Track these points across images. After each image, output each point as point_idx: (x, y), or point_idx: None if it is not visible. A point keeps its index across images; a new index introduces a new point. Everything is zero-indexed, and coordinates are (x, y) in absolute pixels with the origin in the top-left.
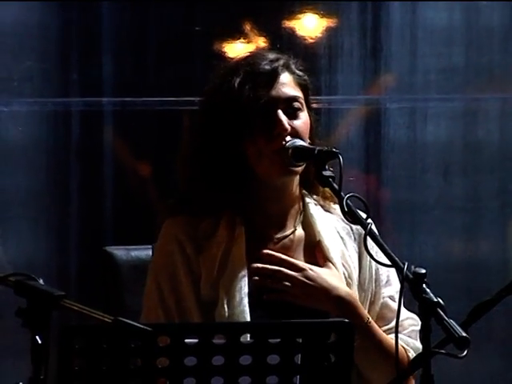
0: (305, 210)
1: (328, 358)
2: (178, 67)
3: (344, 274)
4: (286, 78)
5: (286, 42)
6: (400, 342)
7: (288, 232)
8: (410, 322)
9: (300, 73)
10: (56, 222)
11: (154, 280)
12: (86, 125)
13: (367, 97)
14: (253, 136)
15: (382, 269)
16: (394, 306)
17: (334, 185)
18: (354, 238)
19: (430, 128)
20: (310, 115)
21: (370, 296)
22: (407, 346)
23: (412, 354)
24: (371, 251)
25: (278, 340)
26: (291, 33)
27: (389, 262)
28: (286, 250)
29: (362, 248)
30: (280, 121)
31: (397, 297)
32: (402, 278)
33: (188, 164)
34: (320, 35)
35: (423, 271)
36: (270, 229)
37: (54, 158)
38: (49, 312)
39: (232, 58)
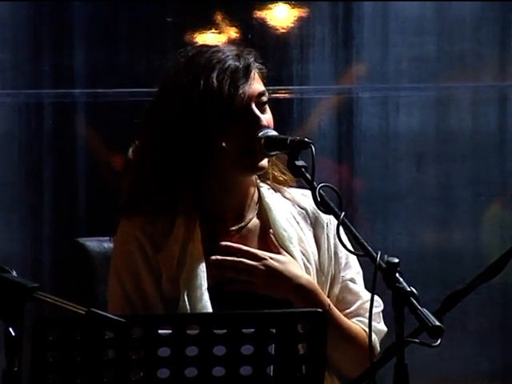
0: (260, 198)
1: (302, 348)
2: (151, 58)
3: (302, 259)
4: (255, 73)
5: (257, 32)
6: (361, 325)
7: (244, 223)
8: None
9: (262, 67)
10: (29, 213)
11: (117, 280)
12: (58, 116)
13: (339, 86)
14: (229, 132)
15: (341, 251)
16: (355, 288)
17: (307, 175)
18: (310, 222)
19: (402, 117)
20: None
21: (329, 279)
22: (366, 328)
23: (374, 337)
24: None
25: (252, 330)
26: (262, 23)
27: (361, 253)
28: (244, 240)
29: (319, 231)
30: (258, 117)
31: (357, 279)
32: (375, 267)
33: (145, 158)
34: (291, 25)
35: (396, 260)
36: (227, 221)
37: (27, 149)
38: (22, 304)
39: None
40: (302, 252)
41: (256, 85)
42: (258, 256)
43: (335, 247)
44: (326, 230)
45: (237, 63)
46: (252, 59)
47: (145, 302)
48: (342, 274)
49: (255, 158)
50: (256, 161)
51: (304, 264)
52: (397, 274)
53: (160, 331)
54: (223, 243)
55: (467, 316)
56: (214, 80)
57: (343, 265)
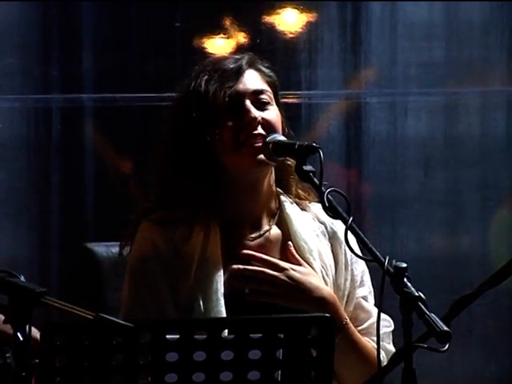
0: (281, 208)
1: (309, 353)
2: (159, 63)
3: (322, 272)
4: (251, 73)
5: (266, 37)
6: (372, 343)
7: (263, 231)
8: (382, 323)
9: (266, 70)
10: (37, 218)
11: (132, 284)
12: (66, 121)
13: (347, 91)
14: (221, 129)
15: (357, 269)
16: (367, 306)
17: (315, 179)
18: (329, 237)
19: (410, 122)
20: (280, 113)
21: (345, 295)
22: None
23: (383, 356)
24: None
25: (260, 335)
26: (271, 28)
27: (369, 258)
28: (262, 248)
29: (337, 246)
30: (248, 111)
31: (370, 298)
32: (383, 272)
33: (162, 163)
34: (300, 30)
35: (404, 265)
36: (246, 228)
37: (35, 154)
38: (30, 309)
39: (212, 54)
40: (321, 265)
41: (251, 83)
42: (280, 266)
43: (351, 264)
44: (343, 245)
45: (230, 65)
46: (246, 60)
47: (159, 307)
48: (356, 291)
49: (250, 152)
50: (251, 154)
51: (323, 277)
52: (405, 279)
53: (168, 336)
54: (245, 251)
55: (475, 321)
56: (202, 82)
57: (358, 282)
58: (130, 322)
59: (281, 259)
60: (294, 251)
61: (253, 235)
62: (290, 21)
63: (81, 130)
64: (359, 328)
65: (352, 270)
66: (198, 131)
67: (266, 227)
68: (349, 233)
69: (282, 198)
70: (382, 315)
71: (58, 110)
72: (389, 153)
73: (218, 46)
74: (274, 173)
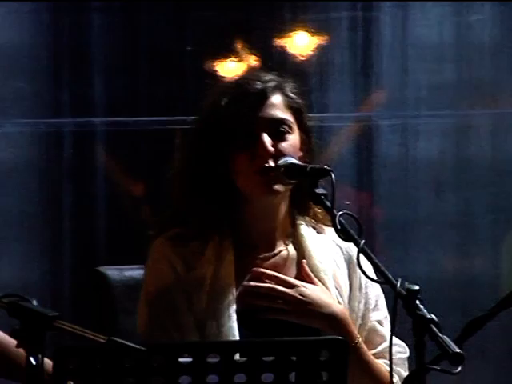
0: (295, 229)
1: (322, 376)
2: (170, 86)
3: (335, 292)
4: (276, 99)
5: (277, 60)
6: (386, 366)
7: (277, 250)
8: (397, 349)
9: (293, 95)
10: (49, 242)
11: (148, 302)
12: (77, 145)
13: (358, 114)
14: (236, 156)
15: (371, 292)
16: (382, 330)
17: (327, 202)
18: (344, 259)
19: (421, 144)
20: (302, 137)
21: (359, 318)
22: (393, 372)
23: (397, 381)
24: (364, 278)
25: (272, 358)
26: (282, 51)
27: (381, 280)
28: (277, 268)
29: (352, 269)
30: (262, 142)
31: (385, 322)
32: (395, 294)
33: (178, 182)
34: (311, 53)
35: (416, 288)
36: (259, 247)
37: (46, 178)
38: (43, 333)
39: (223, 77)
40: (335, 286)
41: (273, 111)
42: (291, 283)
43: (366, 287)
44: (358, 269)
45: (256, 88)
46: (274, 84)
47: (176, 321)
48: (370, 315)
49: (264, 181)
50: (265, 184)
51: (337, 297)
52: (417, 301)
53: (180, 359)
54: (255, 269)
55: (488, 343)
56: (223, 103)
57: (372, 306)
58: (142, 345)
59: (295, 278)
60: (307, 269)
61: (266, 254)
62: (301, 44)
63: (92, 154)
64: (373, 351)
65: (366, 293)
66: (215, 155)
67: (279, 247)
68: (362, 256)
69: (298, 220)
70: (398, 341)
71: (69, 134)
72: (400, 175)
73: (229, 69)
74: (289, 194)
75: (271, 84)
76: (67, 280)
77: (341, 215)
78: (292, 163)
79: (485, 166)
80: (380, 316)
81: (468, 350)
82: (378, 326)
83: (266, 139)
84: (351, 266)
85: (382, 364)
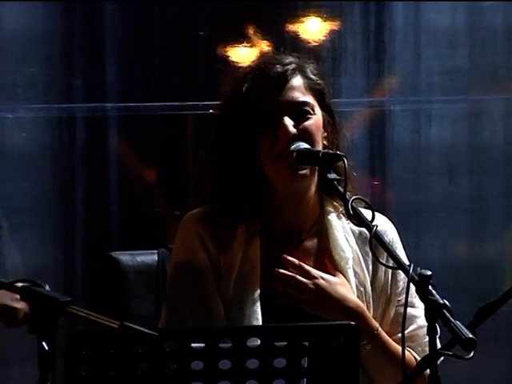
0: (322, 216)
1: (335, 361)
2: (182, 72)
3: (356, 282)
4: (297, 81)
5: (289, 46)
6: (412, 352)
7: (303, 238)
8: (425, 331)
9: (313, 77)
10: (62, 228)
11: (176, 277)
12: (90, 130)
13: (371, 99)
14: (260, 140)
15: (401, 274)
16: (411, 312)
17: (339, 188)
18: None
19: (434, 130)
20: (325, 118)
21: (384, 300)
22: (418, 356)
23: None
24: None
25: (285, 343)
26: (295, 36)
27: (394, 266)
28: (301, 256)
29: (378, 252)
30: (284, 125)
31: (416, 302)
32: (408, 280)
33: (208, 167)
34: (323, 38)
35: (429, 273)
36: (287, 234)
37: (59, 164)
38: (55, 318)
39: (236, 63)
40: (357, 275)
41: (294, 94)
42: (311, 274)
43: (393, 272)
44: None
45: (276, 71)
46: (294, 67)
47: (203, 301)
48: (398, 298)
49: (286, 165)
50: (286, 168)
51: (357, 286)
52: (429, 287)
53: (193, 344)
54: (284, 256)
55: (500, 328)
56: (244, 88)
57: (400, 288)
58: (154, 330)
59: (316, 266)
60: (333, 260)
61: (292, 243)
62: (313, 29)
63: (105, 139)
64: (400, 335)
65: (394, 274)
66: (240, 139)
67: (305, 234)
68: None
69: (326, 203)
70: (424, 322)
71: (82, 119)
72: (413, 160)
73: (242, 54)
74: (317, 178)
75: (291, 66)
76: (80, 265)
77: (353, 200)
78: (304, 148)
79: (497, 151)
80: (410, 297)
81: (480, 335)
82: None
83: (288, 122)
84: (377, 249)
85: (410, 350)
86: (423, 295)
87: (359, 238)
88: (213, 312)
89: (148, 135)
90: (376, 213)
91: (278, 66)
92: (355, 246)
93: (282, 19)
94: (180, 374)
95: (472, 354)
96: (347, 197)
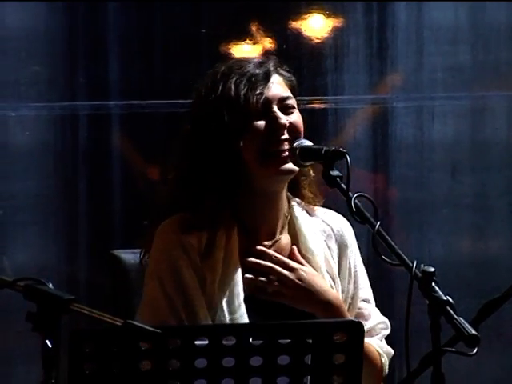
0: (291, 214)
1: (338, 358)
2: (185, 70)
3: (328, 276)
4: (277, 79)
5: (292, 43)
6: (375, 346)
7: (277, 237)
8: (382, 325)
9: (288, 74)
10: (64, 226)
11: (158, 286)
12: (93, 128)
13: (374, 96)
14: (250, 135)
15: (360, 272)
16: (369, 308)
17: (342, 185)
18: (335, 240)
19: (437, 126)
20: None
21: (349, 298)
22: (381, 350)
23: (385, 359)
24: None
25: (288, 341)
26: (297, 33)
27: (397, 262)
28: (278, 253)
29: (342, 250)
30: (277, 117)
31: (371, 299)
32: (411, 276)
33: (185, 166)
34: (326, 35)
35: (432, 270)
36: (261, 234)
37: (62, 162)
38: (58, 316)
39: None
40: (327, 270)
41: (277, 89)
42: (290, 265)
43: (355, 267)
44: (348, 249)
45: (257, 70)
46: (272, 65)
47: (188, 308)
48: (359, 294)
49: (278, 160)
50: (279, 163)
51: (329, 282)
52: (433, 283)
53: (196, 342)
54: (258, 247)
55: (503, 325)
56: (232, 85)
57: (361, 285)
58: (158, 328)
59: None
60: (297, 254)
61: (267, 242)
62: (316, 26)
63: (107, 137)
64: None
65: (356, 272)
66: (226, 136)
67: (279, 234)
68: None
69: (292, 202)
70: (383, 318)
71: (84, 117)
72: (415, 157)
73: (244, 51)
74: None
75: (270, 64)
76: (83, 263)
77: (356, 197)
78: (307, 145)
79: (500, 147)
80: (366, 294)
81: (484, 331)
82: (364, 305)
83: (280, 114)
84: (342, 246)
85: (370, 343)
86: (426, 292)
87: (323, 233)
88: (198, 320)
89: (151, 133)
90: (335, 213)
91: (255, 65)
92: (323, 243)
93: (285, 16)
94: (183, 372)
95: (475, 351)
96: (350, 194)
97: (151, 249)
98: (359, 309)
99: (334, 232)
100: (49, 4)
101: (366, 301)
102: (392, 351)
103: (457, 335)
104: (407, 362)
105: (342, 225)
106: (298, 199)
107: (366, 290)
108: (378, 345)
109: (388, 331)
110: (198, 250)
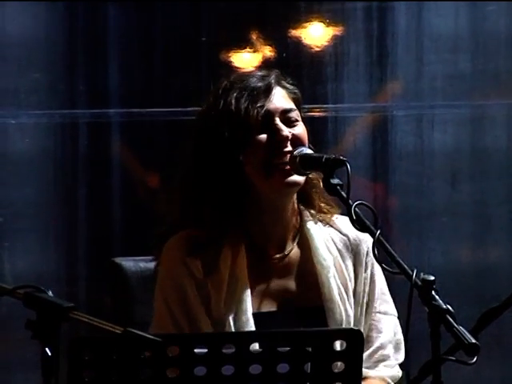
0: (302, 226)
1: (337, 367)
2: (185, 77)
3: (338, 289)
4: (279, 91)
5: (292, 51)
6: (381, 373)
7: (287, 251)
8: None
9: (291, 87)
10: (64, 233)
11: (163, 304)
12: (93, 136)
13: (374, 104)
14: (253, 149)
15: (378, 281)
16: (382, 321)
17: (342, 193)
18: (351, 249)
19: (436, 135)
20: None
21: (364, 307)
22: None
23: None
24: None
25: (288, 349)
26: (297, 41)
27: (397, 271)
28: (285, 267)
29: (359, 258)
30: (280, 129)
31: (389, 311)
32: (411, 285)
33: (190, 181)
34: (326, 43)
35: (432, 278)
36: (271, 249)
37: (62, 169)
38: (58, 324)
39: (238, 68)
40: (340, 281)
41: (280, 101)
42: None
43: (372, 276)
44: (365, 258)
45: (258, 83)
46: (274, 78)
47: (195, 326)
48: (375, 305)
49: (282, 172)
50: (283, 176)
51: (339, 294)
52: (432, 292)
53: (196, 350)
54: None
55: (503, 333)
56: (233, 100)
57: (377, 295)
58: (157, 336)
59: (299, 275)
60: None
61: (278, 256)
62: (316, 34)
63: (107, 145)
64: (370, 350)
65: (373, 281)
66: (229, 150)
67: (289, 247)
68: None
69: (304, 214)
70: (396, 336)
71: (84, 125)
72: (415, 166)
73: (245, 59)
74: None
75: (272, 77)
76: (83, 271)
77: (356, 206)
78: (307, 153)
79: (500, 156)
80: (383, 306)
81: (483, 340)
82: (379, 317)
83: (282, 126)
84: (357, 256)
85: (376, 374)
86: (426, 300)
87: (339, 243)
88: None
89: (151, 141)
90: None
91: (257, 78)
92: (336, 253)
93: (285, 25)
94: (183, 380)
95: (475, 360)
96: (350, 202)
97: (158, 264)
98: (373, 320)
99: (350, 241)
100: (48, 12)
101: (382, 313)
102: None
103: (456, 344)
104: (407, 370)
105: (359, 233)
106: (312, 211)
107: (383, 301)
108: (387, 372)
109: (400, 356)
110: (202, 266)
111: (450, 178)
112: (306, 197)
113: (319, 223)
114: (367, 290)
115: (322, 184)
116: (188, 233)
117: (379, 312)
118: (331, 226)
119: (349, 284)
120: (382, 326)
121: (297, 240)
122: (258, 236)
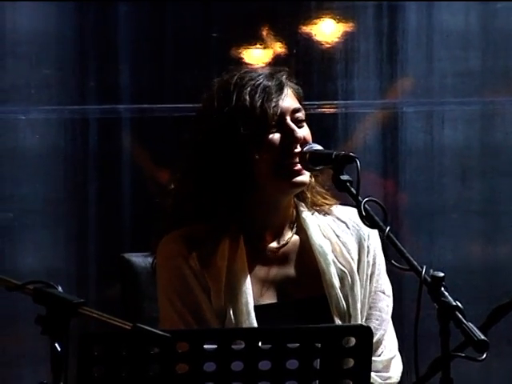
0: (298, 216)
1: (347, 363)
2: (195, 74)
3: (338, 274)
4: (288, 91)
5: (302, 47)
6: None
7: (285, 240)
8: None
9: (297, 86)
10: (74, 229)
11: (166, 298)
12: (103, 132)
13: (384, 101)
14: (263, 147)
15: (380, 263)
16: (384, 301)
17: (352, 189)
18: (351, 234)
19: (447, 131)
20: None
21: (368, 290)
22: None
23: None
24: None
25: (297, 345)
26: (308, 38)
27: (406, 267)
28: (284, 257)
29: (361, 244)
30: (292, 130)
31: (386, 291)
32: (421, 281)
33: (186, 175)
34: (336, 40)
35: (441, 275)
36: (268, 240)
37: (72, 165)
38: (68, 319)
39: (249, 64)
40: (342, 264)
41: (290, 101)
42: None
43: (374, 258)
44: (366, 242)
45: (269, 81)
46: (284, 77)
47: (199, 316)
48: (375, 285)
49: (291, 172)
50: (292, 175)
51: (341, 279)
52: (442, 288)
53: (205, 346)
54: None
55: None
56: (247, 96)
57: (381, 275)
58: (167, 332)
59: (298, 264)
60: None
61: (275, 245)
62: (326, 31)
63: (118, 141)
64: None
65: (375, 263)
66: (241, 148)
67: (287, 237)
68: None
69: (300, 205)
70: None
71: (94, 120)
72: (425, 162)
73: (255, 56)
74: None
75: (284, 77)
76: (92, 266)
77: (366, 202)
78: (317, 150)
79: (510, 152)
80: (384, 287)
81: (493, 337)
82: (381, 296)
83: (295, 127)
84: (360, 240)
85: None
86: (436, 297)
87: (336, 230)
88: (207, 326)
89: (161, 137)
90: (350, 208)
91: (267, 75)
92: (335, 238)
93: (296, 21)
94: (192, 376)
95: (485, 356)
96: (360, 198)
97: (156, 261)
98: (373, 299)
99: (349, 227)
100: (59, 8)
101: (383, 292)
102: (398, 372)
103: (466, 340)
104: (416, 367)
105: (356, 218)
106: (305, 203)
107: (384, 282)
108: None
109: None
110: (198, 259)
111: (460, 175)
112: (300, 193)
113: (316, 213)
114: (369, 272)
115: (332, 179)
116: (184, 230)
117: (380, 291)
118: (328, 215)
119: (353, 266)
120: (386, 304)
121: (294, 230)
122: (255, 227)
